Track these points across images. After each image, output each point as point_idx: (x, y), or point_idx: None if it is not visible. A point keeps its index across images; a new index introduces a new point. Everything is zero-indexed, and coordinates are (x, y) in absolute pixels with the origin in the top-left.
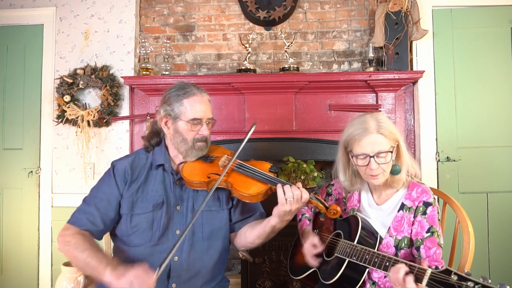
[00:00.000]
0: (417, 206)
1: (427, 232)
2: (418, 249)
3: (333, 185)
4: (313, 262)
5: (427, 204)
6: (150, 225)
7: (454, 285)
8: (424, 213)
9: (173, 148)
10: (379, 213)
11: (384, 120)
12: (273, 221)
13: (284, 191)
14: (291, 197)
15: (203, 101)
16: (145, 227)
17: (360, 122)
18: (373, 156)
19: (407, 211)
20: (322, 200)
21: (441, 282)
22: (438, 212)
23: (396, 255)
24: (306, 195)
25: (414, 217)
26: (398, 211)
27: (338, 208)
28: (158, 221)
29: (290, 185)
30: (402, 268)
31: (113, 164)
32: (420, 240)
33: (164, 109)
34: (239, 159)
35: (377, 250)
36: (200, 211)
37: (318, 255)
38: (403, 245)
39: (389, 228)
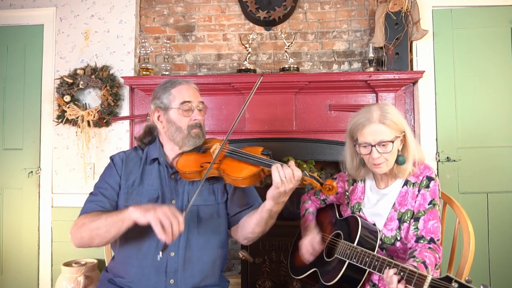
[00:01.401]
0: (421, 181)
1: (429, 204)
2: (417, 219)
3: (335, 178)
4: (308, 257)
5: (430, 179)
6: None
7: None
8: (427, 186)
9: (169, 141)
10: (381, 196)
11: (390, 111)
12: (268, 205)
13: (278, 171)
14: (284, 176)
15: (190, 88)
16: None
17: (365, 111)
18: (374, 145)
19: (411, 186)
20: (316, 177)
21: None
22: (439, 189)
23: (399, 228)
24: (298, 172)
25: (418, 191)
26: (402, 186)
27: (334, 183)
28: None
29: (282, 165)
30: (394, 277)
31: (111, 158)
32: (422, 212)
33: (154, 103)
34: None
35: (377, 250)
36: (195, 196)
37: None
38: (406, 217)
39: (394, 203)
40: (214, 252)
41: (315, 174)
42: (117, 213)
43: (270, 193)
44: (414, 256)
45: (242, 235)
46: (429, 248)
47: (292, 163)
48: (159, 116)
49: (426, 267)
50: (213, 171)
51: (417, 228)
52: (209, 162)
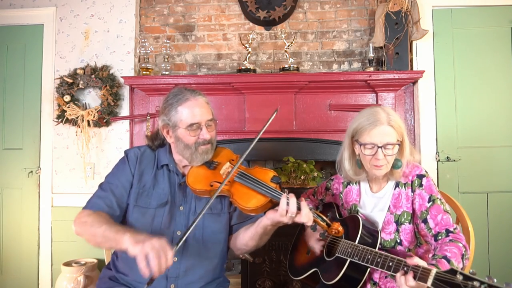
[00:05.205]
0: (412, 181)
1: (428, 201)
2: (425, 221)
3: (332, 180)
4: (317, 246)
5: (420, 176)
6: (150, 221)
7: (459, 285)
8: (421, 185)
9: (177, 154)
10: (377, 200)
11: (393, 114)
12: (265, 222)
13: (288, 203)
14: (293, 213)
15: (198, 104)
16: (144, 221)
17: (370, 113)
18: (381, 147)
19: (403, 187)
20: (324, 217)
21: (447, 282)
22: (434, 183)
23: (397, 231)
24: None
25: (413, 191)
26: (395, 188)
27: (340, 228)
28: (159, 219)
29: (294, 199)
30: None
31: (126, 152)
32: (425, 212)
33: (162, 119)
34: (245, 159)
35: (378, 248)
36: (202, 215)
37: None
38: (403, 219)
39: (389, 206)
40: (216, 260)
41: (322, 215)
42: (116, 231)
43: (271, 214)
44: (434, 255)
45: (237, 246)
46: (450, 240)
47: (302, 199)
48: (168, 131)
49: (449, 261)
50: (223, 191)
51: (430, 228)
52: (219, 182)
